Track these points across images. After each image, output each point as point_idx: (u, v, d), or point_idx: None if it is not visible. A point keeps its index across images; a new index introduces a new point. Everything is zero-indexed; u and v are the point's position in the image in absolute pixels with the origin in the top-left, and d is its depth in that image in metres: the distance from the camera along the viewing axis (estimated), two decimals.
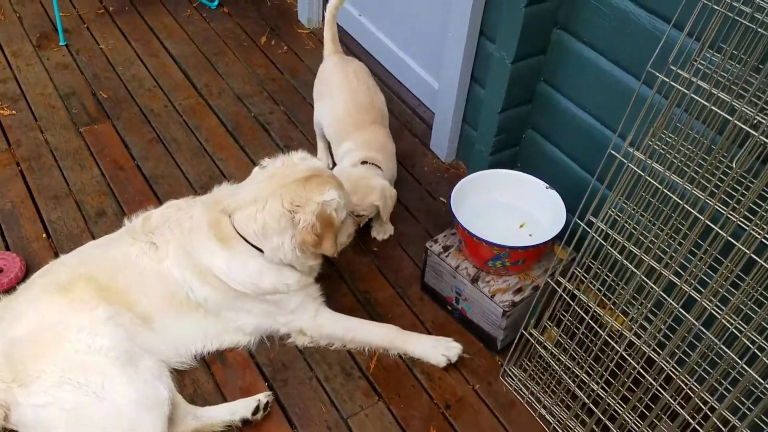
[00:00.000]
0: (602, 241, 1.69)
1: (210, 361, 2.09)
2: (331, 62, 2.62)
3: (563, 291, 1.81)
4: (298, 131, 2.92)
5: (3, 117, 2.77)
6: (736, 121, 1.38)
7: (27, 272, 2.20)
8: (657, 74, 1.46)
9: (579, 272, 1.79)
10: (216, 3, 3.57)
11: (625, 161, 1.57)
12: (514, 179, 2.25)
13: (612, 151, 1.58)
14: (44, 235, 2.37)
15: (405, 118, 3.03)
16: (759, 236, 1.35)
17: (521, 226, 2.23)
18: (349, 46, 3.35)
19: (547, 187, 2.18)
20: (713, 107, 1.42)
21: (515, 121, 2.39)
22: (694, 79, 1.44)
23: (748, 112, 1.34)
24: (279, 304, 2.07)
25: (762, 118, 1.33)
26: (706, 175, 1.52)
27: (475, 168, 2.51)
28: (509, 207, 2.25)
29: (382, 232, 2.49)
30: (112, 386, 1.78)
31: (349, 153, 2.41)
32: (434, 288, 2.29)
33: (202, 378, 2.04)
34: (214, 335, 2.10)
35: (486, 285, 2.11)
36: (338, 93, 2.50)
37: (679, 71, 1.45)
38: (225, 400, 1.99)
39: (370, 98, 2.51)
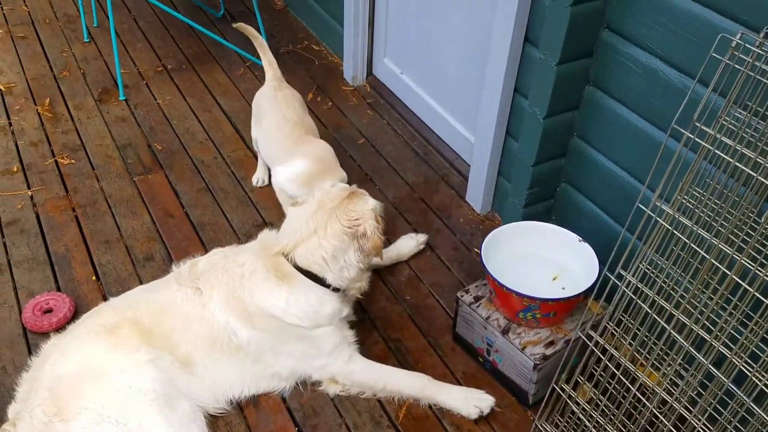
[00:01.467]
0: (632, 295, 1.68)
1: (243, 405, 2.13)
2: (266, 87, 2.88)
3: (595, 345, 1.80)
4: None
5: (63, 165, 2.96)
6: (760, 177, 1.39)
7: (76, 313, 2.32)
8: (682, 131, 1.48)
9: (611, 326, 1.78)
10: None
11: (653, 215, 1.58)
12: (547, 231, 2.28)
13: (640, 205, 1.59)
14: (94, 278, 2.49)
15: (442, 170, 3.09)
16: None
17: (554, 279, 2.24)
18: (390, 100, 3.47)
19: (579, 240, 2.19)
20: (738, 164, 1.44)
21: (549, 174, 2.42)
22: (718, 136, 1.46)
23: None
24: (319, 345, 2.12)
25: None
26: (734, 230, 1.52)
27: (509, 220, 2.54)
28: (542, 259, 2.27)
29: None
30: (148, 426, 1.84)
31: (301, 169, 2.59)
32: (466, 339, 2.30)
33: (235, 420, 2.09)
34: (252, 380, 2.14)
35: (517, 337, 2.11)
36: (269, 113, 2.76)
37: (704, 128, 1.47)
38: None
39: (299, 116, 2.74)
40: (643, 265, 1.68)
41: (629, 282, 1.67)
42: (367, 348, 2.30)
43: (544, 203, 2.51)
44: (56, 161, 2.98)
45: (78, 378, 1.90)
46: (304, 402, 2.14)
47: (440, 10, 2.93)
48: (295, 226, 2.07)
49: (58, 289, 2.43)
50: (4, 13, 4.00)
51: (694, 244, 1.56)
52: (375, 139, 3.28)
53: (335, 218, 2.04)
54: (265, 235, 2.18)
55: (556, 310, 2.06)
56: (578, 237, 2.19)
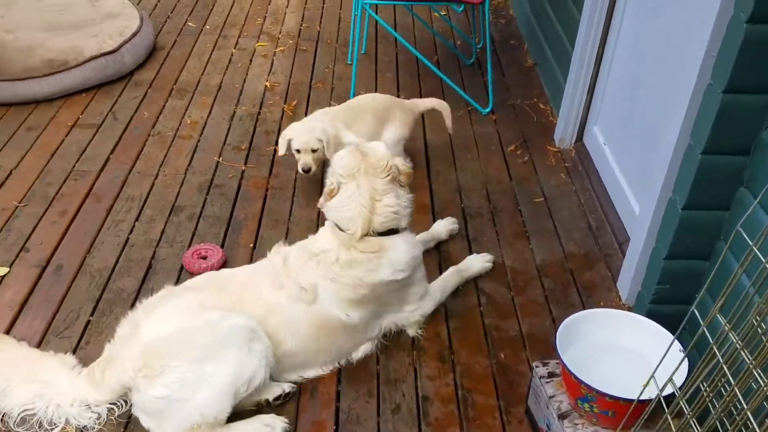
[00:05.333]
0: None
1: (305, 387, 2.30)
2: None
3: None
4: (492, 230, 3.02)
5: (280, 156, 3.48)
6: None
7: (224, 265, 2.74)
8: None
9: None
10: (488, 110, 3.91)
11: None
12: (653, 331, 2.03)
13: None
14: (251, 245, 2.90)
15: (607, 250, 2.91)
16: None
17: (646, 385, 1.98)
18: (588, 169, 3.37)
19: (680, 350, 1.91)
20: None
21: (684, 274, 2.15)
22: None
23: None
24: (415, 282, 2.41)
25: None
26: None
27: (637, 311, 2.30)
28: (638, 358, 2.03)
29: None
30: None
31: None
32: (534, 414, 2.15)
33: (289, 400, 2.26)
34: (348, 351, 2.36)
35: (572, 427, 1.93)
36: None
37: None
38: (295, 427, 2.18)
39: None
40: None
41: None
42: (435, 387, 2.30)
43: (675, 306, 2.22)
44: (275, 150, 3.52)
45: (171, 340, 2.06)
46: (354, 407, 2.24)
47: (648, 92, 2.79)
48: (353, 206, 2.23)
49: (222, 245, 2.89)
50: (300, 29, 4.81)
51: None
52: (553, 202, 3.21)
53: (375, 178, 2.26)
54: (330, 227, 2.31)
55: (615, 410, 1.84)
56: (681, 347, 1.92)
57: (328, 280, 2.25)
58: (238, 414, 2.13)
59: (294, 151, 3.04)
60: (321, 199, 2.44)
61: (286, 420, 2.15)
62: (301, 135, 3.01)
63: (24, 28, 3.96)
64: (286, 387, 2.23)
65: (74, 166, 3.34)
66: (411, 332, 2.46)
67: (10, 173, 3.27)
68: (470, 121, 3.84)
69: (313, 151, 3.00)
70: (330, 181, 2.35)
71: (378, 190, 2.26)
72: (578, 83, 3.41)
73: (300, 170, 3.02)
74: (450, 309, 2.62)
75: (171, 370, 2.00)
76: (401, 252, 2.28)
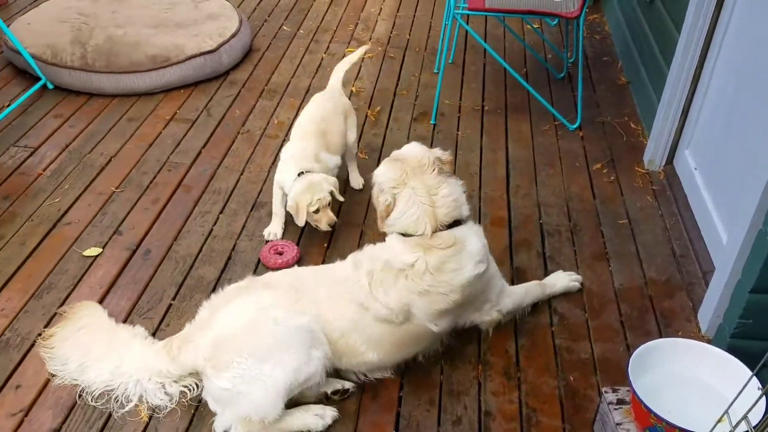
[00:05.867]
0: None
1: (366, 389, 2.33)
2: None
3: None
4: (571, 249, 2.96)
5: (359, 159, 3.54)
6: None
7: (299, 262, 2.82)
8: None
9: None
10: (575, 126, 3.83)
11: None
12: (734, 367, 1.93)
13: None
14: (325, 245, 2.97)
15: (691, 279, 2.79)
16: None
17: (719, 420, 1.89)
18: (676, 193, 3.25)
19: (759, 388, 1.81)
20: None
21: None
22: None
23: None
24: (493, 274, 2.42)
25: None
26: None
27: (716, 344, 2.19)
28: (716, 394, 1.93)
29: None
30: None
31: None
32: None
33: (351, 399, 2.29)
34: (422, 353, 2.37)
35: None
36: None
37: None
38: (355, 426, 2.21)
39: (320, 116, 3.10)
40: None
41: None
42: (499, 403, 2.28)
43: (757, 342, 2.10)
44: (356, 154, 3.58)
45: (239, 335, 2.13)
46: (415, 414, 2.24)
47: (745, 119, 2.67)
48: (415, 208, 2.23)
49: (298, 243, 2.96)
50: (390, 36, 4.87)
51: None
52: (638, 225, 3.10)
53: (424, 176, 2.25)
54: (397, 239, 2.28)
55: None
56: (760, 385, 1.82)
57: (419, 294, 2.21)
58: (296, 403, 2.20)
59: (312, 213, 2.84)
60: (380, 222, 2.35)
61: (335, 409, 2.21)
62: (314, 195, 2.81)
63: (132, 24, 4.21)
64: (347, 385, 2.28)
65: (168, 158, 3.52)
66: (483, 327, 2.48)
67: (110, 160, 3.48)
68: (556, 136, 3.77)
69: (329, 204, 2.85)
70: (383, 199, 2.30)
71: (431, 185, 2.25)
72: (672, 105, 3.29)
73: (326, 228, 2.87)
74: (520, 326, 2.59)
75: (235, 365, 2.07)
76: (474, 241, 2.28)
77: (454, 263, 2.22)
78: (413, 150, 2.38)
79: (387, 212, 2.28)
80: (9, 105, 3.82)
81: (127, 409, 2.21)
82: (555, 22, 5.02)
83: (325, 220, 2.85)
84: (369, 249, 2.36)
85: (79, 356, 2.28)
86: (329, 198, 2.84)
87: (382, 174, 2.34)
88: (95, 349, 2.28)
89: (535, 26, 4.89)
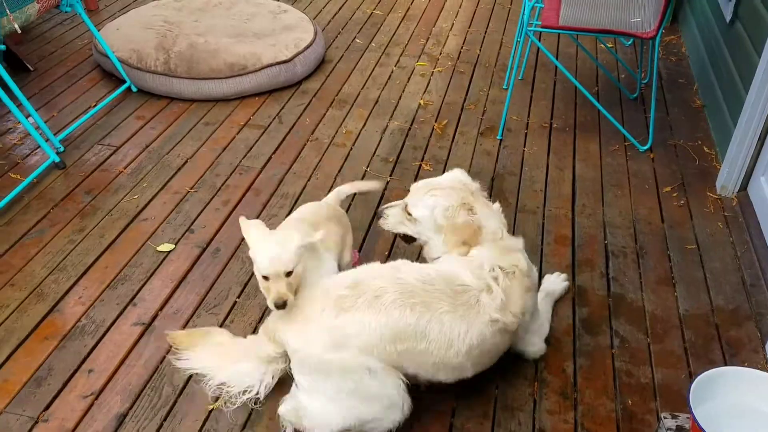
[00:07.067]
0: None
1: (420, 397, 2.34)
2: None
3: None
4: (636, 272, 2.91)
5: (423, 169, 3.58)
6: None
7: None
8: None
9: None
10: (646, 147, 3.76)
11: None
12: None
13: None
14: (386, 253, 3.01)
15: (760, 309, 2.70)
16: None
17: None
18: (748, 221, 3.16)
19: None
20: None
21: None
22: None
23: None
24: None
25: None
26: None
27: None
28: None
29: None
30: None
31: None
32: None
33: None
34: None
35: None
36: None
37: None
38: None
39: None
40: None
41: None
42: (554, 421, 2.26)
43: None
44: (420, 165, 3.63)
45: (327, 366, 2.05)
46: (466, 426, 2.25)
47: None
48: (494, 220, 2.33)
49: (360, 250, 3.01)
50: (460, 51, 4.91)
51: None
52: (707, 251, 3.02)
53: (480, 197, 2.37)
54: (479, 252, 2.25)
55: None
56: None
57: (527, 292, 2.25)
58: None
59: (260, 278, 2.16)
60: (463, 250, 2.26)
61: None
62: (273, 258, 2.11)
63: (213, 33, 4.39)
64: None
65: (240, 162, 3.65)
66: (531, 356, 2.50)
67: (186, 161, 3.64)
68: (625, 157, 3.71)
69: (287, 274, 2.11)
70: (466, 220, 2.27)
71: (486, 203, 2.40)
72: (749, 129, 3.19)
73: (271, 306, 2.12)
74: (579, 346, 2.56)
75: (311, 382, 2.08)
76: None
77: (525, 260, 2.32)
78: (460, 176, 2.46)
79: (476, 234, 2.26)
80: (95, 105, 4.05)
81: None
82: (630, 42, 4.95)
83: (272, 296, 2.10)
84: (465, 257, 2.25)
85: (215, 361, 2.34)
86: (294, 263, 2.12)
87: (443, 202, 2.31)
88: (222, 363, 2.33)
89: (609, 45, 4.83)
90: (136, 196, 3.34)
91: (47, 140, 3.55)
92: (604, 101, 4.08)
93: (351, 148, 3.78)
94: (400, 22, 5.36)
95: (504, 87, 4.41)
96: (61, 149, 3.64)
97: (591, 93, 3.99)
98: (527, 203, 3.35)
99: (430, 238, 2.37)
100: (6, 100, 3.35)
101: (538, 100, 4.27)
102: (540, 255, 3.00)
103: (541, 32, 3.95)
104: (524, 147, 3.81)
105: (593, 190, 3.44)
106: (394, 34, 5.16)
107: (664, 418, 2.02)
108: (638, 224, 3.20)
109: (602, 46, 4.84)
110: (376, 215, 2.66)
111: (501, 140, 3.86)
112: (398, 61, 4.78)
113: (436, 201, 2.33)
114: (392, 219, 2.44)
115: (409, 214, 2.39)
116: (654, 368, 2.47)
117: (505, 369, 2.43)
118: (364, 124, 4.03)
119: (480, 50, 4.93)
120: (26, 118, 3.53)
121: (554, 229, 3.15)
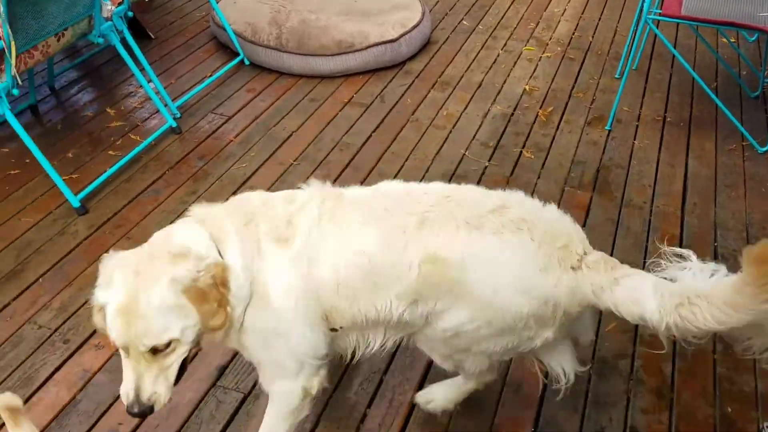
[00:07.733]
0: None
1: (507, 384, 2.33)
2: None
3: None
4: None
5: (524, 156, 3.52)
6: None
7: None
8: None
9: None
10: (765, 149, 3.54)
11: None
12: None
13: None
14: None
15: None
16: None
17: None
18: None
19: None
20: None
21: None
22: None
23: None
24: None
25: None
26: None
27: None
28: None
29: None
30: None
31: None
32: None
33: (491, 390, 2.31)
34: None
35: None
36: None
37: None
38: (493, 417, 2.23)
39: None
40: None
41: None
42: (647, 421, 2.21)
43: None
44: (521, 152, 3.57)
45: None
46: (555, 417, 2.22)
47: None
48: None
49: None
50: (571, 37, 4.77)
51: None
52: None
53: None
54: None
55: None
56: None
57: None
58: None
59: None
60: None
61: None
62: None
63: (324, 10, 4.48)
64: None
65: (342, 138, 3.72)
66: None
67: (291, 134, 3.75)
68: (743, 157, 3.51)
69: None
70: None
71: None
72: None
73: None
74: (679, 348, 2.45)
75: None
76: None
77: None
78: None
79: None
80: (210, 76, 4.23)
81: None
82: (754, 38, 4.64)
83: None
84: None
85: None
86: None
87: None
88: None
89: (731, 40, 4.55)
90: (244, 165, 3.47)
91: (166, 105, 3.76)
92: (722, 97, 3.85)
93: (450, 131, 3.77)
94: (510, 5, 5.26)
95: (616, 76, 4.26)
96: (178, 115, 3.83)
97: (710, 88, 3.78)
98: (634, 198, 3.23)
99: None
100: (131, 64, 3.56)
101: (652, 92, 4.09)
102: (644, 252, 2.89)
103: (660, 21, 3.77)
104: (634, 140, 3.67)
105: (706, 190, 3.28)
106: (502, 17, 5.07)
107: (766, 427, 1.92)
108: (751, 228, 3.03)
109: (723, 39, 4.57)
110: None
111: (609, 131, 3.73)
112: (505, 44, 4.70)
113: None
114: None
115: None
116: (758, 377, 2.35)
117: (599, 364, 2.37)
118: (466, 107, 4.00)
119: (593, 37, 4.77)
120: (148, 83, 3.74)
121: (661, 227, 3.03)
